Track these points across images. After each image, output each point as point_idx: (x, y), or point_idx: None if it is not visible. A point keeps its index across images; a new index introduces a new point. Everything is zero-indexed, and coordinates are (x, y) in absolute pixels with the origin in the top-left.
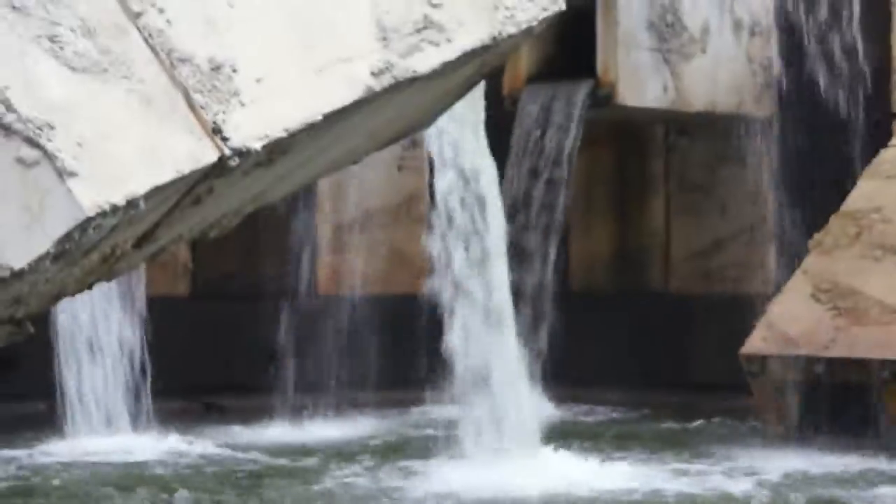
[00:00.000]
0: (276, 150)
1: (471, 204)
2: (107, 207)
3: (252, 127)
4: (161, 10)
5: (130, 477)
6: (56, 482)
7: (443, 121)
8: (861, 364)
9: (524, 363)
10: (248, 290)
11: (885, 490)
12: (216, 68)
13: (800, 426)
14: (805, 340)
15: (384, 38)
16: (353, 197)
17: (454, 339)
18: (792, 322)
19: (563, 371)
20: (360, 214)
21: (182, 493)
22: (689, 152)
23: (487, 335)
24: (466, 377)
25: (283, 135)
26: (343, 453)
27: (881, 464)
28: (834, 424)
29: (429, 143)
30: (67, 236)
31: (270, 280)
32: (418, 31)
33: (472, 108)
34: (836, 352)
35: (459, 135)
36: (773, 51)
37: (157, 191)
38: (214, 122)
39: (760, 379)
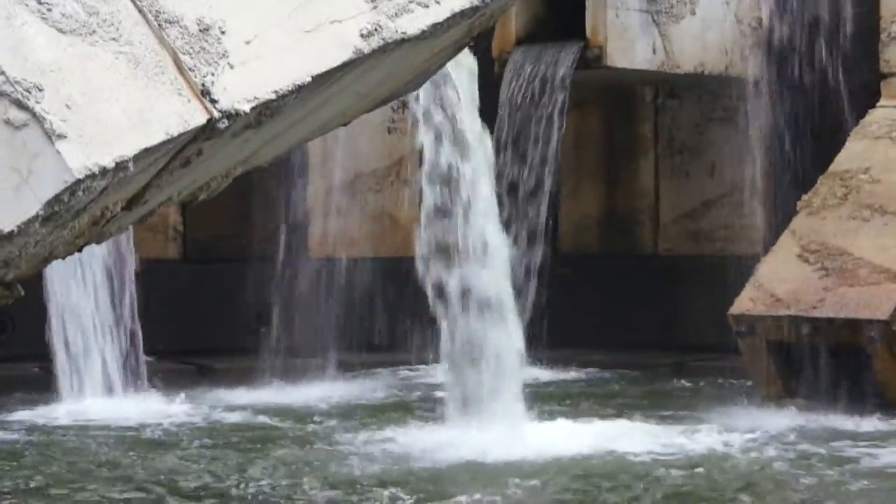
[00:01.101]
0: (265, 111)
1: (460, 168)
2: (96, 170)
3: (241, 89)
4: None
5: (124, 440)
6: (49, 445)
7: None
8: (849, 324)
9: (520, 333)
10: (238, 252)
11: (871, 449)
12: (205, 30)
13: (788, 386)
14: (793, 300)
15: (373, 0)
16: (343, 160)
17: (445, 306)
18: (780, 282)
19: (551, 333)
20: (350, 177)
21: None
22: (678, 114)
23: (483, 308)
24: (456, 342)
25: (272, 97)
26: (333, 415)
27: (867, 423)
28: (821, 384)
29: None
30: (57, 199)
31: (261, 243)
32: None
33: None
34: (825, 312)
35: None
36: (762, 11)
37: (146, 153)
38: (203, 85)
39: (749, 339)
